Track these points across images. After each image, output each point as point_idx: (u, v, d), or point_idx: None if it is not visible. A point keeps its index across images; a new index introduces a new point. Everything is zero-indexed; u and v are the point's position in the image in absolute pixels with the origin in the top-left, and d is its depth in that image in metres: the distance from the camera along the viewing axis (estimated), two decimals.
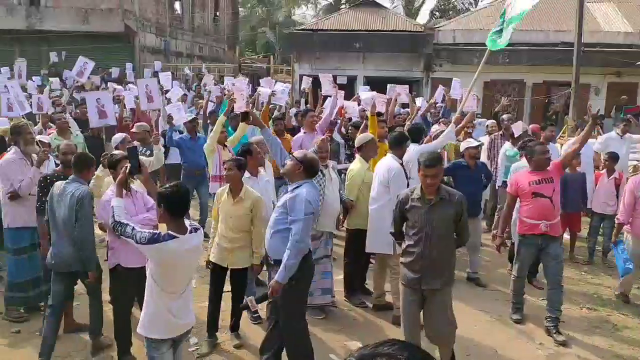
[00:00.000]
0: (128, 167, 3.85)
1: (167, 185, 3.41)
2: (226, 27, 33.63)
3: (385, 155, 5.78)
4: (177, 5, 28.22)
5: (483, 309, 5.76)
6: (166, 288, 3.34)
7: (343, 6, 30.75)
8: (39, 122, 8.80)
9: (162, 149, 6.32)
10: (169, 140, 7.65)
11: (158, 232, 3.28)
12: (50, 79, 15.07)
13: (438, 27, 20.46)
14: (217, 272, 4.84)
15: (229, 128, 7.81)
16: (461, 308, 5.67)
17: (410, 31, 19.70)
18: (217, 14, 32.67)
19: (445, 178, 6.49)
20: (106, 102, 6.34)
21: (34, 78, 14.73)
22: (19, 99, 8.19)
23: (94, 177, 5.70)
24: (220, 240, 4.76)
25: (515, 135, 7.65)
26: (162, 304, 3.34)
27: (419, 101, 10.50)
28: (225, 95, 9.76)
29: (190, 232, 3.34)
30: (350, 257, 5.86)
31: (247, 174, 5.09)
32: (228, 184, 4.80)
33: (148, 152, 6.53)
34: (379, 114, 7.56)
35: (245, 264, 4.80)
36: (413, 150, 5.84)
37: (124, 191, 4.08)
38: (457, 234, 4.23)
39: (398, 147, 5.56)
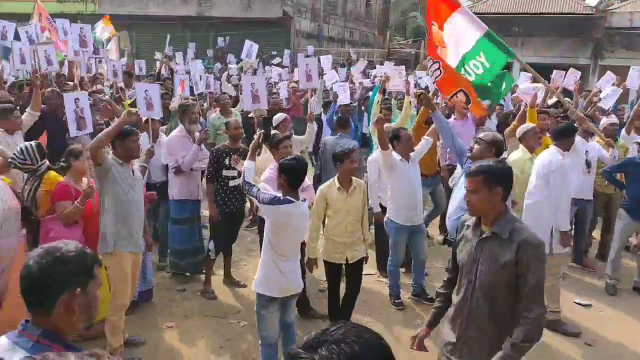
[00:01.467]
0: (262, 134, 4.23)
1: (289, 158, 3.76)
2: (377, 12, 33.66)
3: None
4: None
5: None
6: (277, 249, 3.74)
7: None
8: (205, 102, 9.61)
9: (315, 127, 6.57)
10: (329, 116, 7.93)
11: (278, 195, 3.67)
12: (230, 66, 16.19)
13: (612, 9, 18.47)
14: (333, 270, 4.79)
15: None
16: (625, 319, 5.20)
17: (577, 13, 18.02)
18: None
19: (618, 175, 5.90)
20: (260, 87, 6.52)
21: (196, 61, 15.94)
22: (195, 79, 9.09)
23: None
24: (336, 237, 4.66)
25: None
26: (274, 265, 3.74)
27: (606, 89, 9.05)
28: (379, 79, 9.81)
29: (302, 200, 3.76)
30: None
31: (397, 157, 5.13)
32: (335, 179, 4.67)
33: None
34: (558, 104, 7.09)
35: (362, 254, 4.76)
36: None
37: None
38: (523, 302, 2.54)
39: (563, 138, 5.09)
